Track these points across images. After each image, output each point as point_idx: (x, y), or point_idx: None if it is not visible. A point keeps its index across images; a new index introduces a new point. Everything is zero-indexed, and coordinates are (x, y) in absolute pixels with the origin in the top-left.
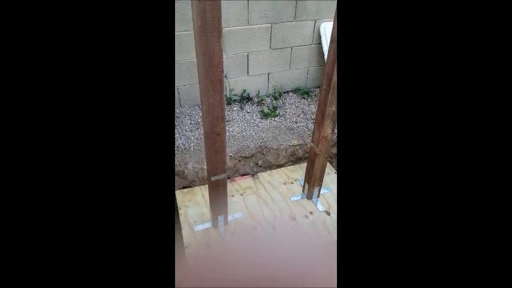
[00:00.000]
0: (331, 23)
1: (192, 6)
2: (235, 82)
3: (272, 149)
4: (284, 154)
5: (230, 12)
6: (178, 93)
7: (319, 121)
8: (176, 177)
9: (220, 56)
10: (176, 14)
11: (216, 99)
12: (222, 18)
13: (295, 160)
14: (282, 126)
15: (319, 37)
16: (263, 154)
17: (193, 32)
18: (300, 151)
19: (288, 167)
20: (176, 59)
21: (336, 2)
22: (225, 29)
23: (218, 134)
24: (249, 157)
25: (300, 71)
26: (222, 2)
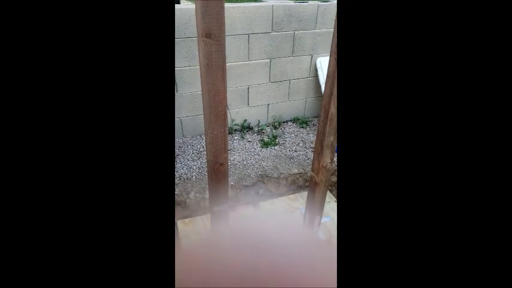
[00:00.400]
0: (327, 57)
1: (198, 48)
2: (237, 113)
3: (273, 177)
4: (285, 183)
5: (232, 49)
6: (181, 123)
7: (318, 151)
8: (178, 207)
9: (224, 93)
10: (180, 52)
11: (220, 131)
12: (226, 54)
13: (296, 189)
14: (282, 155)
15: (316, 70)
16: (264, 183)
17: (195, 67)
18: (300, 180)
19: (289, 196)
20: (180, 92)
21: (329, 40)
22: (227, 65)
23: (221, 164)
24: (250, 186)
25: (298, 101)
26: (228, 37)
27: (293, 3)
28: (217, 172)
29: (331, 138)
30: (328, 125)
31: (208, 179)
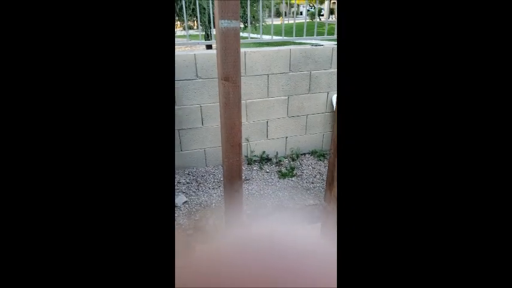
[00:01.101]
0: None
1: (219, 88)
2: (256, 145)
3: (289, 208)
4: (300, 213)
5: (253, 88)
6: (205, 153)
7: (329, 181)
8: (197, 232)
9: (239, 126)
10: (207, 90)
11: (235, 160)
12: (246, 92)
13: (312, 219)
14: (299, 186)
15: (332, 106)
16: (280, 213)
17: (217, 104)
18: (316, 211)
19: (305, 226)
20: (205, 125)
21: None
22: (248, 101)
23: (236, 191)
24: (266, 215)
25: (316, 135)
26: (247, 78)
27: (309, 47)
28: (233, 198)
29: None
30: (337, 157)
31: (224, 205)
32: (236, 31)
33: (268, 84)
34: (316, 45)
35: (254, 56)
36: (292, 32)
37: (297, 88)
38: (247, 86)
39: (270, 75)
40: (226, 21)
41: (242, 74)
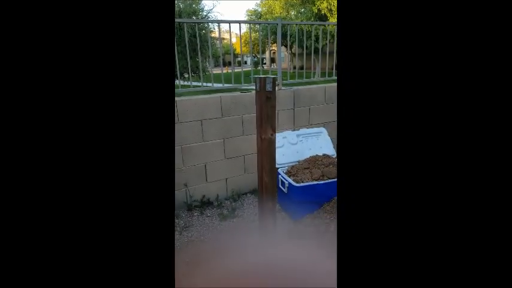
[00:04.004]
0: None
1: None
2: (195, 189)
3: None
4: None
5: (187, 133)
6: None
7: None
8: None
9: None
10: None
11: None
12: (182, 137)
13: None
14: (241, 226)
15: None
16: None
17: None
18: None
19: None
20: None
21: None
22: (184, 146)
23: None
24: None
25: (255, 174)
26: (181, 124)
27: (238, 94)
28: None
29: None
30: (265, 192)
31: None
32: None
33: (202, 129)
34: (245, 91)
35: (185, 104)
36: (237, 80)
37: (231, 131)
38: (182, 132)
39: (203, 121)
40: None
41: (175, 121)
